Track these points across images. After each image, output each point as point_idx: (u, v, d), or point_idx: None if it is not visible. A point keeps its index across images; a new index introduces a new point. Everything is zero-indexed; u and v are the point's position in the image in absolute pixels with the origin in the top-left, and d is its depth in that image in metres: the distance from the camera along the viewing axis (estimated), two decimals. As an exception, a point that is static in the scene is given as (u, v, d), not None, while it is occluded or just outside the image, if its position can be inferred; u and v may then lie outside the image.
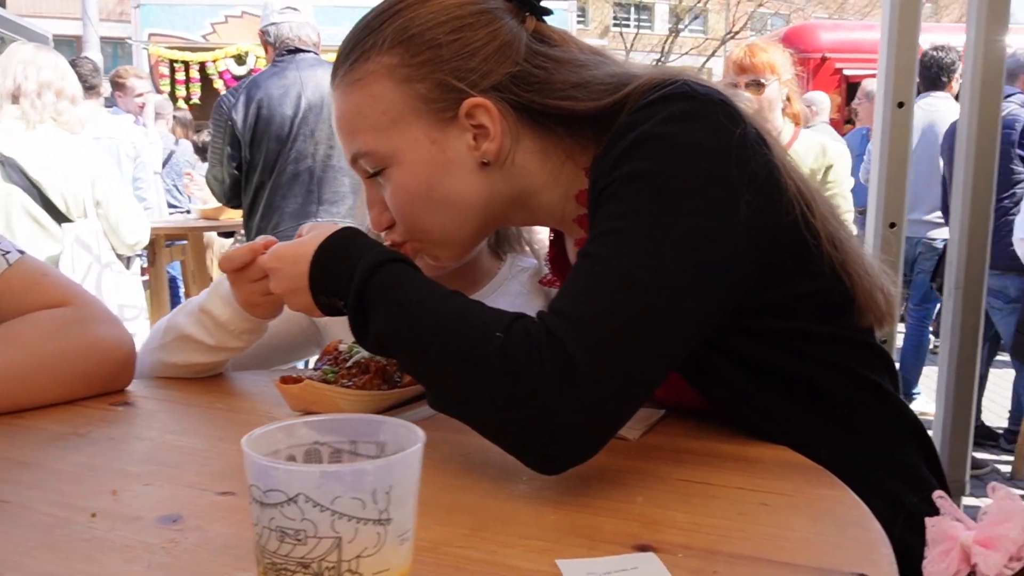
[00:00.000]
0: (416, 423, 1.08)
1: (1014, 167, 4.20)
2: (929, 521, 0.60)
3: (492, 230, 1.23)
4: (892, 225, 1.70)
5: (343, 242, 1.03)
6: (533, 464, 0.90)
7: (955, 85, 4.56)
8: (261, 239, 1.18)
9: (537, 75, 1.07)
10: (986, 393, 5.24)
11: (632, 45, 25.10)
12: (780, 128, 3.21)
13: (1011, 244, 3.91)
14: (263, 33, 3.66)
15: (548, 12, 1.15)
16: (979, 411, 5.03)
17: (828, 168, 3.22)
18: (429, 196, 1.09)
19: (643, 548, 0.77)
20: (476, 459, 0.98)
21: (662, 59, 23.83)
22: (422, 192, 1.09)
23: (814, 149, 3.25)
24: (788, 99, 3.22)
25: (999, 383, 5.49)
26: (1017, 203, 4.05)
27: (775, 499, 0.89)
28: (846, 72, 9.78)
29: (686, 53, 25.01)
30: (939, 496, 0.60)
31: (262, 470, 0.55)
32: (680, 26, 26.55)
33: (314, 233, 1.07)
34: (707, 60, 24.04)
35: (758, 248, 0.98)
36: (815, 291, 1.06)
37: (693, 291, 0.93)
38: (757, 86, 3.10)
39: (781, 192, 1.00)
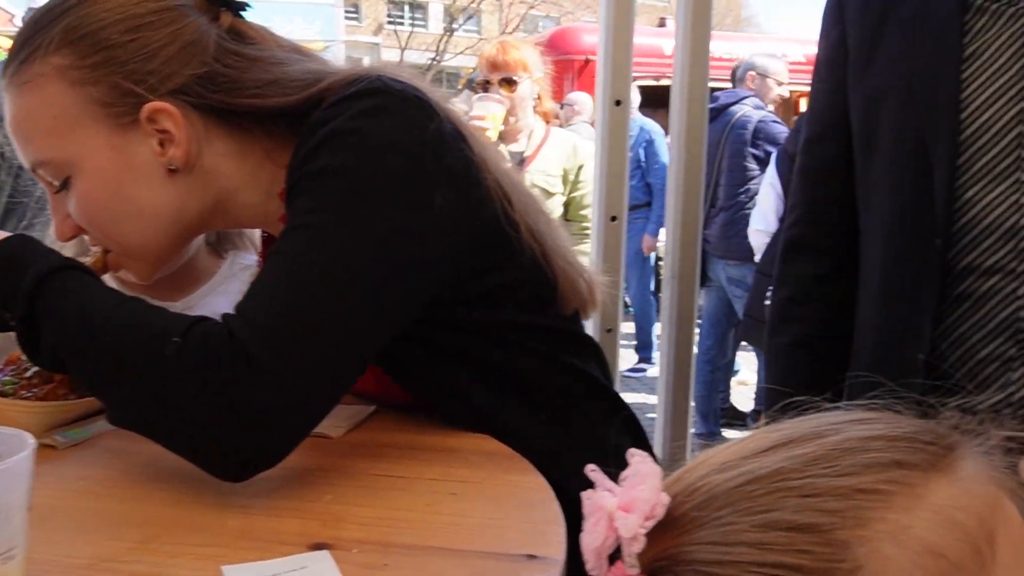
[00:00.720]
0: (101, 434, 1.03)
1: (747, 164, 4.52)
2: (584, 494, 0.62)
3: (192, 238, 1.17)
4: (613, 219, 1.78)
5: (11, 251, 0.95)
6: (217, 472, 0.86)
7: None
8: None
9: (227, 74, 1.02)
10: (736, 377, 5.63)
11: (407, 44, 25.14)
12: (532, 126, 3.24)
13: (747, 236, 4.20)
14: None
15: (244, 7, 1.10)
16: (728, 393, 5.39)
17: (579, 168, 3.27)
18: (116, 206, 1.03)
19: (318, 546, 0.76)
20: (157, 469, 0.92)
21: (437, 58, 24.03)
22: (107, 202, 1.02)
23: (565, 149, 3.29)
24: (539, 97, 3.25)
25: (749, 367, 5.90)
26: (752, 198, 4.36)
27: (464, 488, 0.91)
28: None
29: (460, 53, 25.30)
30: (591, 470, 0.62)
31: None
32: (454, 26, 26.86)
33: None
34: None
35: (457, 241, 0.99)
36: (518, 281, 1.08)
37: (384, 286, 0.92)
38: (509, 83, 3.12)
39: (479, 186, 1.02)
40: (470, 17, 28.16)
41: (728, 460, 0.56)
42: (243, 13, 1.09)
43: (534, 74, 3.18)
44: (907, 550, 0.51)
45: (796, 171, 1.54)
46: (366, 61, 1.09)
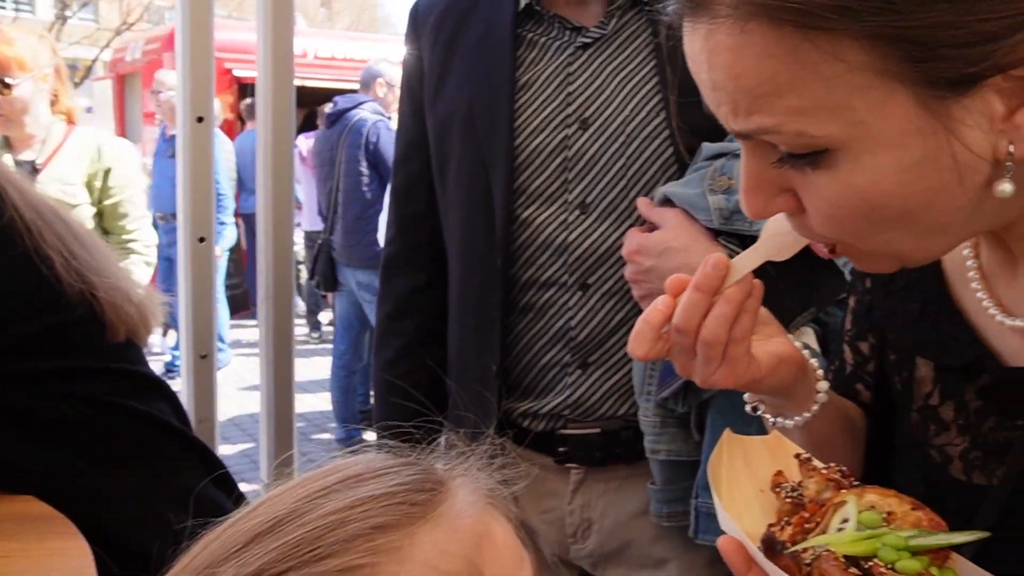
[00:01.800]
0: None
1: (361, 170, 4.59)
2: None
3: None
4: (201, 240, 1.71)
5: None
6: None
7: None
8: None
9: None
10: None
11: (11, 31, 22.63)
12: (48, 126, 2.87)
13: (372, 243, 4.26)
14: None
15: None
16: (368, 396, 5.43)
17: (107, 172, 2.93)
18: None
19: None
20: None
21: (48, 48, 21.87)
22: None
23: (89, 151, 2.92)
24: (56, 95, 2.88)
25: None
26: (369, 204, 4.43)
27: (-9, 565, 0.82)
28: (236, 72, 9.87)
29: (77, 43, 23.28)
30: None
31: None
32: (67, 13, 24.63)
33: None
34: (101, 52, 22.65)
35: None
36: (58, 324, 1.00)
37: None
38: (3, 85, 2.70)
39: None
40: (85, 4, 25.99)
41: (212, 561, 0.53)
42: None
43: (39, 71, 2.79)
44: None
45: (390, 190, 1.59)
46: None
